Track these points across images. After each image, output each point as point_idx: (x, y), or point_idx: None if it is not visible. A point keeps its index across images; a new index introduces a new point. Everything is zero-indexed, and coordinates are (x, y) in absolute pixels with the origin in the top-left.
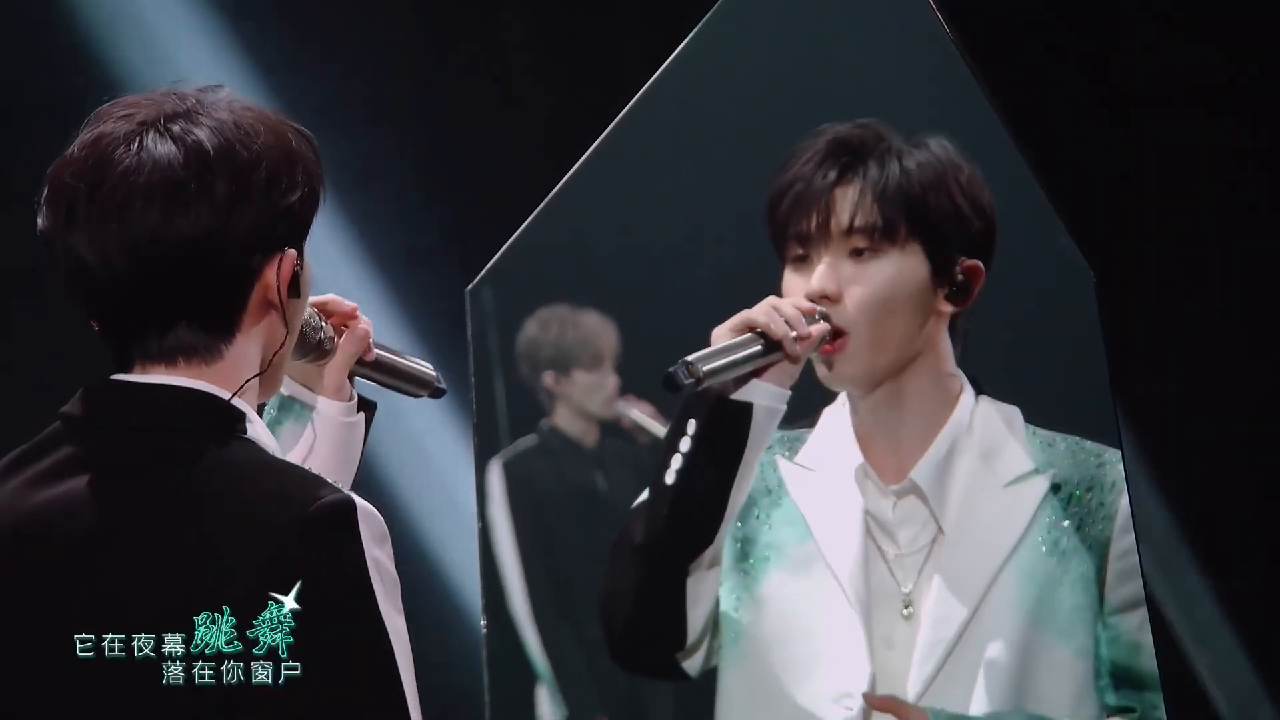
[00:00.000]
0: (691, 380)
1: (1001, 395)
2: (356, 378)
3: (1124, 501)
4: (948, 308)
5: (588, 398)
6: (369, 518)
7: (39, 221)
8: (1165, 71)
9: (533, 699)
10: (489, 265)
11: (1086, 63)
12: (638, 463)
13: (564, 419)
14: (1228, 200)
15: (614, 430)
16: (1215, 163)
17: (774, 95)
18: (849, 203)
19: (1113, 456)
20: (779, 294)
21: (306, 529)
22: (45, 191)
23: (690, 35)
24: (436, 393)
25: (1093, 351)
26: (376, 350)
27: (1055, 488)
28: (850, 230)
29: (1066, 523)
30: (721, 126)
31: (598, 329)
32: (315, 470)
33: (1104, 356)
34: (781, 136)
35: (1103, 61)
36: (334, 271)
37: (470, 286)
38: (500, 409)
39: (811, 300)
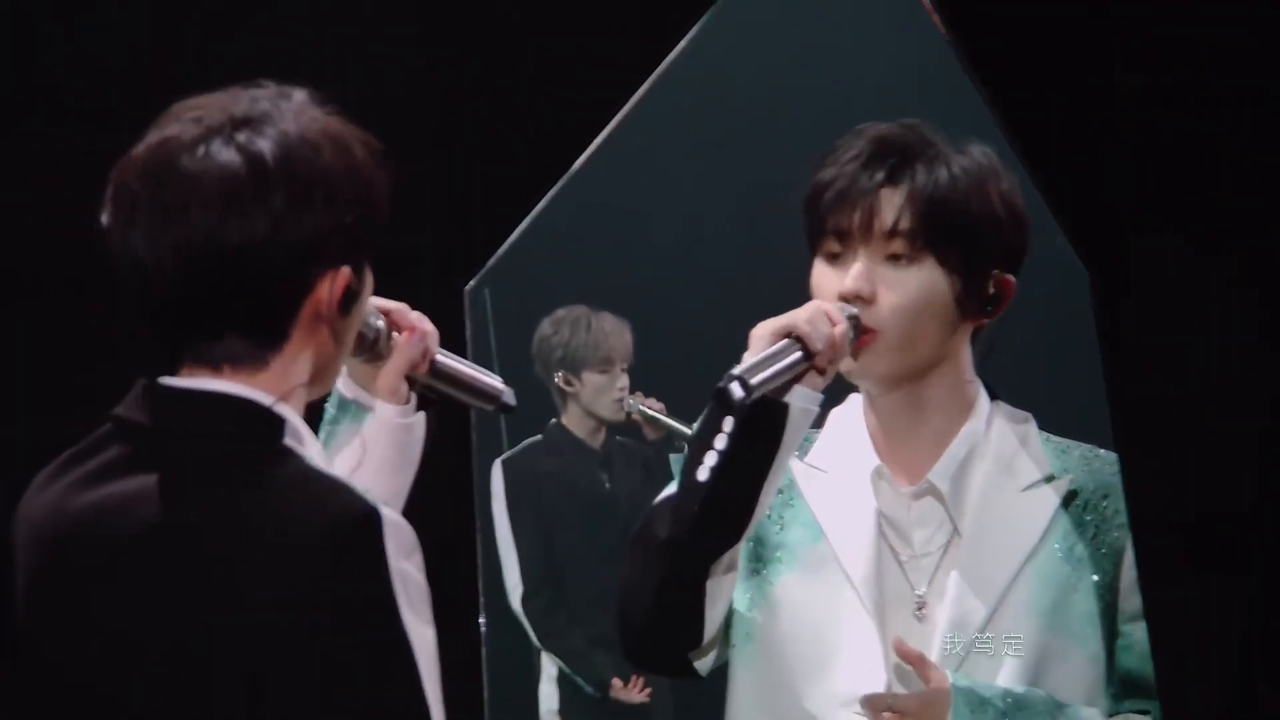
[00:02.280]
0: (744, 395)
1: (997, 396)
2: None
3: None
4: (978, 318)
5: (597, 398)
6: (396, 529)
7: (103, 218)
8: (1163, 70)
9: (531, 698)
10: (487, 265)
11: (1084, 61)
12: (643, 459)
13: (573, 418)
14: (1227, 200)
15: (620, 430)
16: (1213, 163)
17: (771, 96)
18: (894, 206)
19: None
20: (802, 287)
21: (331, 542)
22: (109, 189)
23: (688, 36)
24: (505, 408)
25: (1089, 352)
26: (440, 360)
27: (1071, 494)
28: (893, 233)
29: (1082, 529)
30: (719, 127)
31: (610, 330)
32: (372, 472)
33: (1100, 357)
34: (778, 136)
35: (1101, 60)
36: None
37: (469, 286)
38: None
39: (844, 299)
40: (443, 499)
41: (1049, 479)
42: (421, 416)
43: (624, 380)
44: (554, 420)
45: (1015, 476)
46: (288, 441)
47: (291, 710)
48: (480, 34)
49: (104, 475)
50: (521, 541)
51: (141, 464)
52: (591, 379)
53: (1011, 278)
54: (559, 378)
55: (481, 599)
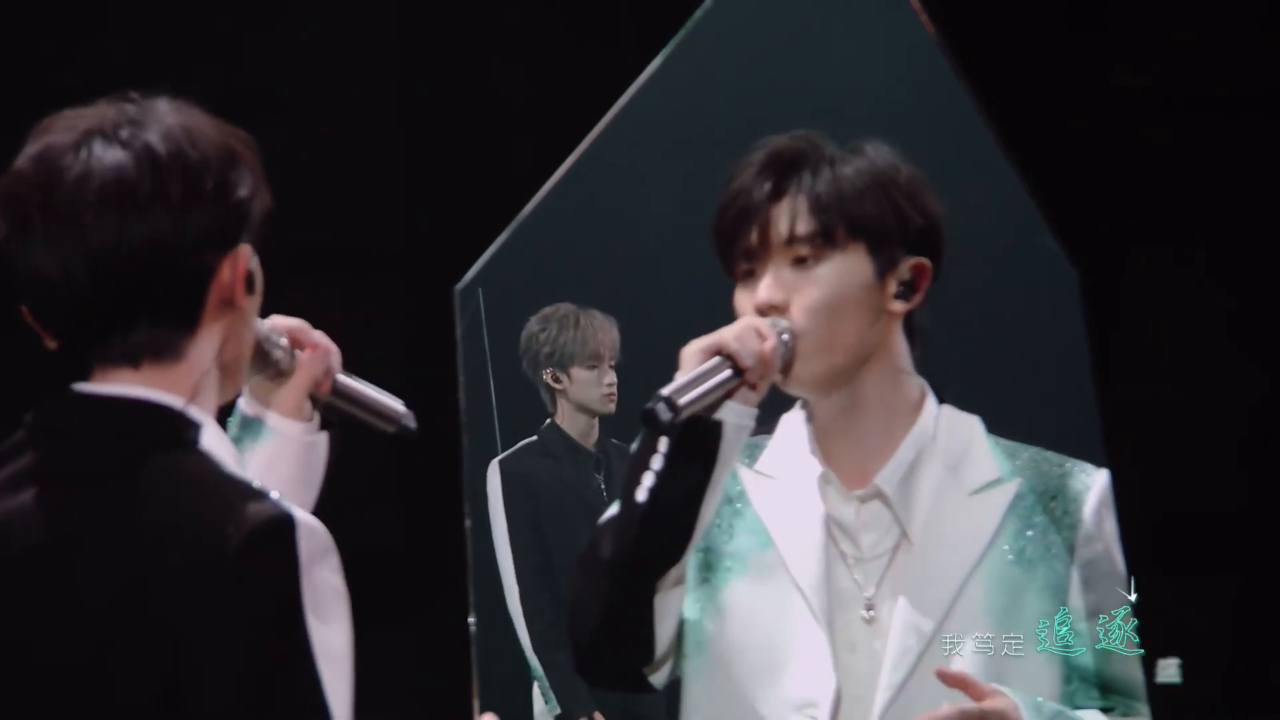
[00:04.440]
0: (671, 416)
1: (985, 397)
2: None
3: (1088, 513)
4: (897, 306)
5: (585, 392)
6: (309, 533)
7: None
8: (1151, 71)
9: (521, 698)
10: (477, 265)
11: (1074, 62)
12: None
13: (565, 416)
14: (1217, 204)
15: (614, 433)
16: (1205, 163)
17: (760, 97)
18: (786, 213)
19: (1076, 467)
20: (733, 311)
21: (240, 547)
22: None
23: (676, 37)
24: (405, 431)
25: (1077, 352)
26: (341, 380)
27: (1020, 496)
28: (790, 240)
29: (1032, 531)
30: (707, 128)
31: (598, 326)
32: (273, 488)
33: (1088, 357)
34: (768, 138)
35: (1090, 61)
36: (318, 273)
37: (459, 286)
38: (491, 408)
39: (760, 312)
40: (435, 499)
41: (997, 481)
42: (324, 436)
43: (612, 376)
44: (549, 420)
45: (964, 479)
46: (203, 446)
47: (199, 708)
48: (473, 36)
49: (18, 483)
50: (517, 542)
51: (54, 471)
52: (579, 374)
53: (926, 261)
54: (547, 374)
55: (471, 599)
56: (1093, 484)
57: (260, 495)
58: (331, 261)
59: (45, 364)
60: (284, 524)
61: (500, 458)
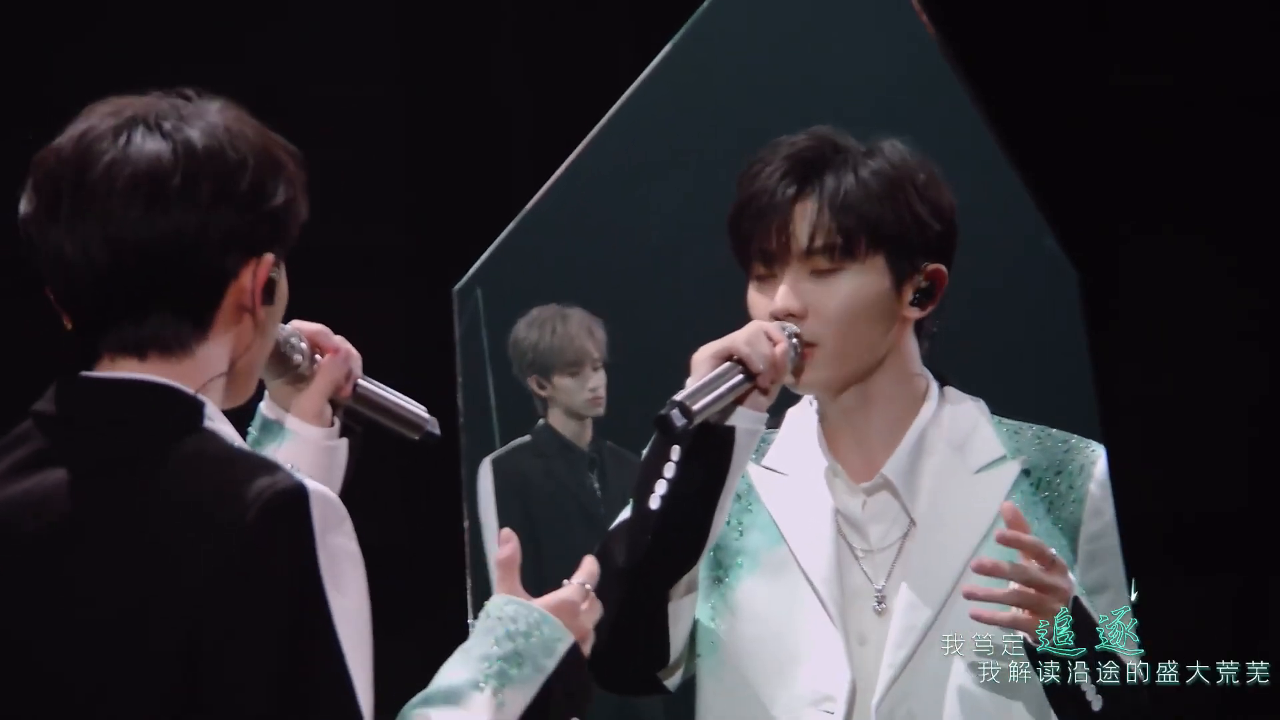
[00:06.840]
0: (685, 422)
1: (988, 396)
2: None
3: (1093, 486)
4: (914, 313)
5: (570, 398)
6: (323, 501)
7: (21, 208)
8: (1151, 70)
9: None
10: (476, 265)
11: (1074, 61)
12: (633, 464)
13: (556, 418)
14: (1217, 201)
15: (609, 434)
16: (1205, 163)
17: (760, 97)
18: (807, 221)
19: (1080, 442)
20: (738, 310)
21: (254, 519)
22: (30, 180)
23: (675, 39)
24: (429, 436)
25: (1078, 351)
26: (363, 386)
27: (1025, 473)
28: (810, 251)
29: (1037, 507)
30: (707, 128)
31: (584, 328)
32: None
33: (1088, 356)
34: (767, 139)
35: (1091, 59)
36: (317, 274)
37: (458, 287)
38: (490, 408)
39: (777, 319)
40: (434, 500)
41: (1001, 460)
42: (344, 442)
43: (595, 379)
44: (542, 421)
45: (968, 459)
46: (209, 425)
47: (222, 682)
48: (473, 36)
49: (25, 469)
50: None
51: (63, 456)
52: (561, 382)
53: (943, 267)
54: (532, 381)
55: (470, 598)
56: (1096, 458)
57: (271, 467)
58: (331, 262)
59: (47, 357)
60: (297, 494)
61: (493, 457)
